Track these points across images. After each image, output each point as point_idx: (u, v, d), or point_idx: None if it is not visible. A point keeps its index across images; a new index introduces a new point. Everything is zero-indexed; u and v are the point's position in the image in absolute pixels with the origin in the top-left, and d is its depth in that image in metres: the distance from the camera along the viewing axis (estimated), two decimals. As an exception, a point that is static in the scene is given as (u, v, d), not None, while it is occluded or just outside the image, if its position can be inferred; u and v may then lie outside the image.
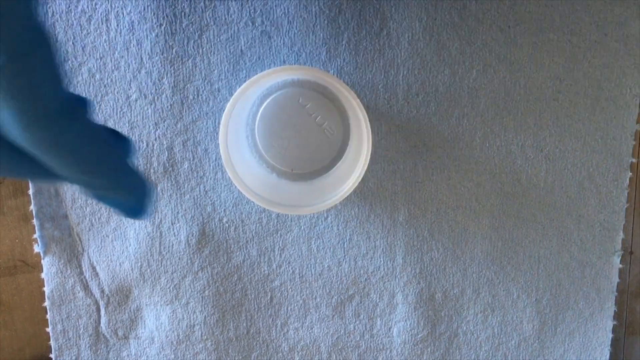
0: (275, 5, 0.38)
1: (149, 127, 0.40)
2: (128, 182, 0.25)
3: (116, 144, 0.25)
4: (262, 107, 0.39)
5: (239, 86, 0.35)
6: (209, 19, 0.38)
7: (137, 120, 0.40)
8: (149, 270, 0.42)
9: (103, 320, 0.43)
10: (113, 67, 0.39)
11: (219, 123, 0.40)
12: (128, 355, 0.43)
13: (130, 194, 0.25)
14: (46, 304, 0.42)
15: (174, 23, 0.39)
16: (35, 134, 0.22)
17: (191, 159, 0.40)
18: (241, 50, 0.39)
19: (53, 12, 0.38)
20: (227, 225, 0.42)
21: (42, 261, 0.41)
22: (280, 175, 0.40)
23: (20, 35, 0.21)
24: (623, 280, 0.44)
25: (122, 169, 0.25)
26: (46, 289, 0.42)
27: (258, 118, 0.39)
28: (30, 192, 0.40)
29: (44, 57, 0.21)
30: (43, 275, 0.42)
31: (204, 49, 0.39)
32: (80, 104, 0.23)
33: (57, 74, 0.22)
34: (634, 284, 0.44)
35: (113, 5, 0.38)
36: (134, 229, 0.41)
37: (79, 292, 0.42)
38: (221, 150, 0.35)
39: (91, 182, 0.23)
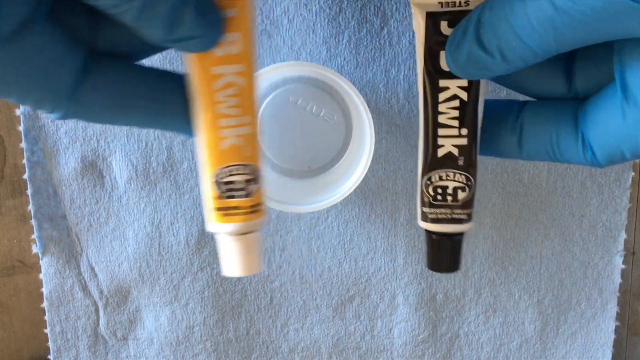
0: (275, 4, 0.38)
1: (148, 126, 0.40)
2: None
3: None
4: (262, 107, 0.39)
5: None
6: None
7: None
8: (148, 271, 0.42)
9: (102, 321, 0.43)
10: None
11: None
12: (127, 357, 0.43)
13: None
14: (44, 304, 0.42)
15: (173, 22, 0.38)
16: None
17: (190, 159, 0.40)
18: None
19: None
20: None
21: (40, 262, 0.41)
22: (282, 174, 0.40)
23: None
24: (625, 281, 0.44)
25: None
26: (44, 290, 0.42)
27: (259, 118, 0.39)
28: (29, 192, 0.40)
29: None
30: (41, 276, 0.42)
31: (204, 48, 0.39)
32: None
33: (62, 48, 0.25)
34: (636, 285, 0.44)
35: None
36: (133, 229, 0.41)
37: (77, 293, 0.42)
38: None
39: None
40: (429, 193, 0.30)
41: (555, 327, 0.44)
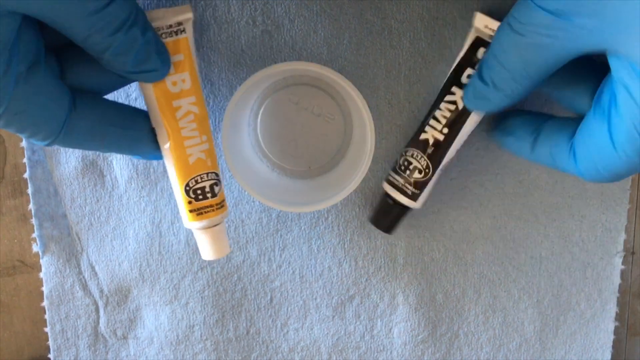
0: (276, 4, 0.38)
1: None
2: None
3: None
4: (262, 107, 0.39)
5: (240, 85, 0.35)
6: (209, 18, 0.38)
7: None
8: (148, 270, 0.42)
9: (102, 320, 0.43)
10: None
11: (219, 122, 0.40)
12: (127, 356, 0.43)
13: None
14: (45, 303, 0.42)
15: (174, 21, 0.38)
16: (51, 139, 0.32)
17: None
18: (242, 49, 0.39)
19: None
20: (226, 225, 0.41)
21: (40, 261, 0.41)
22: (282, 174, 0.40)
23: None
24: (625, 281, 0.44)
25: None
26: (45, 289, 0.42)
27: (259, 118, 0.39)
28: (29, 191, 0.40)
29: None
30: (42, 274, 0.42)
31: (205, 48, 0.39)
32: None
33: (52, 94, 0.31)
34: (635, 285, 0.44)
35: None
36: (133, 229, 0.41)
37: (77, 292, 0.42)
38: (223, 148, 0.35)
39: None
40: (399, 161, 0.38)
41: (555, 328, 0.44)
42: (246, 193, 0.41)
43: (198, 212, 0.35)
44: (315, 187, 0.40)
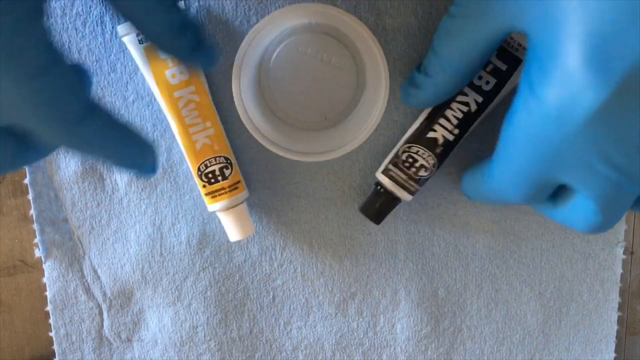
0: (270, 3, 0.38)
1: (147, 128, 0.40)
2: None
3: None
4: (271, 60, 0.38)
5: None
6: (203, 19, 0.38)
7: (134, 122, 0.40)
8: (150, 272, 0.42)
9: (106, 323, 0.43)
10: (109, 70, 0.39)
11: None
12: (132, 358, 0.43)
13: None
14: (49, 308, 0.42)
15: (169, 24, 0.39)
16: (61, 137, 0.27)
17: (190, 159, 0.40)
18: (236, 50, 0.39)
19: (48, 15, 0.38)
20: (227, 224, 0.41)
21: (43, 265, 0.42)
22: (298, 127, 0.40)
23: (36, 56, 0.25)
24: (624, 280, 0.43)
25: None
26: (48, 294, 0.42)
27: (268, 71, 0.38)
28: (30, 196, 0.40)
29: (59, 75, 0.26)
30: (45, 279, 0.42)
31: (200, 49, 0.39)
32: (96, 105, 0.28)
33: (74, 88, 0.27)
34: (635, 284, 0.44)
35: (108, 8, 0.38)
36: (135, 231, 0.41)
37: (81, 296, 0.42)
38: (235, 98, 0.36)
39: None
40: (401, 157, 0.38)
41: (558, 319, 0.44)
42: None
43: (212, 195, 0.38)
44: (334, 135, 0.39)
